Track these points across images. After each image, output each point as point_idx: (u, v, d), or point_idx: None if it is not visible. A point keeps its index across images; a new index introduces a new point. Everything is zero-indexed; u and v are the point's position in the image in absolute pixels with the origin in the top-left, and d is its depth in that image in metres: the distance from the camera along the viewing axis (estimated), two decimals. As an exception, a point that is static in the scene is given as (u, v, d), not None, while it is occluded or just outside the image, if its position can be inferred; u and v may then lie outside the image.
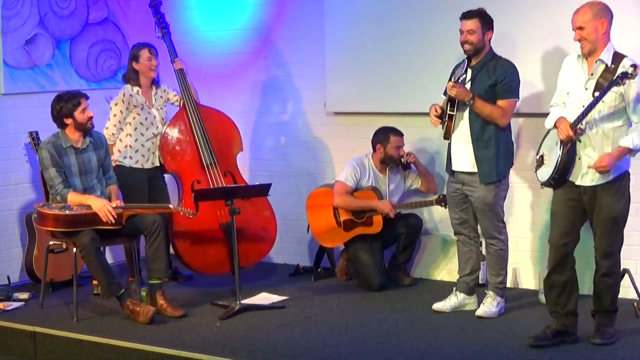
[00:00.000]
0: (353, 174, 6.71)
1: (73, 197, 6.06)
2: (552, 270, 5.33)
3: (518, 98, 5.87)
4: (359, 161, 6.77)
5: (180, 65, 6.87)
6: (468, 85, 5.79)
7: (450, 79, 5.96)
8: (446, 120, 5.84)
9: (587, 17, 5.10)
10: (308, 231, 7.02)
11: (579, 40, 5.14)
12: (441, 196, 6.59)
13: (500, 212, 5.93)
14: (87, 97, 6.21)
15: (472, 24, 5.79)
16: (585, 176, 5.17)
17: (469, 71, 5.84)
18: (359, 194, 6.70)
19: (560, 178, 5.18)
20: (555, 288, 5.34)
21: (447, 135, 5.89)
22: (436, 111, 5.87)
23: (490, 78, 5.79)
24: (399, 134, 6.68)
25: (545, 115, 6.32)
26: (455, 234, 6.15)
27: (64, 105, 6.13)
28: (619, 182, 5.16)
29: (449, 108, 5.80)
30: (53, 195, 6.15)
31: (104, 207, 5.99)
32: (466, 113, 5.82)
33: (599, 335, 5.35)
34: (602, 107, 5.09)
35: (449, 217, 6.17)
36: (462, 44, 5.84)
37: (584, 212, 5.26)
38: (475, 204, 5.91)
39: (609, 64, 5.08)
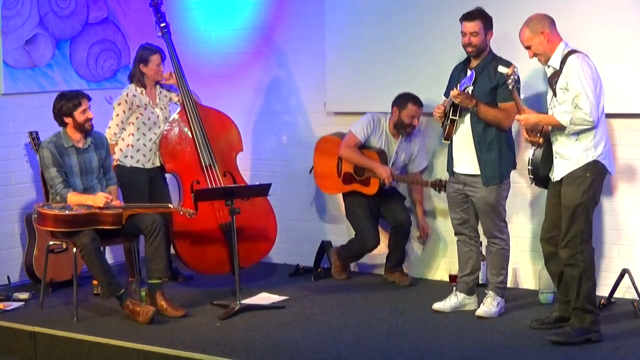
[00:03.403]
0: (365, 127, 6.72)
1: (73, 197, 6.07)
2: (545, 262, 5.67)
3: None
4: (376, 117, 6.76)
5: (172, 80, 6.85)
6: (471, 88, 5.78)
7: (450, 80, 5.97)
8: (447, 124, 5.84)
9: (527, 36, 5.38)
10: (310, 172, 7.08)
11: (535, 57, 5.43)
12: (437, 180, 6.54)
13: (502, 211, 5.93)
14: (89, 99, 6.22)
15: (474, 25, 5.78)
16: (557, 172, 5.42)
17: (472, 72, 5.83)
18: (366, 152, 6.71)
19: (535, 177, 5.53)
20: (554, 278, 5.64)
21: (448, 137, 5.90)
22: (439, 109, 5.88)
23: (491, 81, 5.78)
24: (419, 104, 6.62)
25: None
26: (455, 234, 6.14)
27: (65, 104, 6.14)
28: (581, 171, 5.29)
29: (451, 113, 5.80)
30: (53, 195, 6.15)
31: (102, 198, 6.05)
32: (467, 116, 5.81)
33: (557, 332, 5.42)
34: (555, 105, 5.37)
35: (450, 217, 6.17)
36: (465, 46, 5.82)
37: None
38: (477, 205, 5.91)
39: (557, 66, 5.34)
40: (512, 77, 5.33)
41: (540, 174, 5.49)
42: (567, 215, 5.33)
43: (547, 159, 5.46)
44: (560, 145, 5.38)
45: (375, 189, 6.70)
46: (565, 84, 5.28)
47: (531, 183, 5.62)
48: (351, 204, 6.86)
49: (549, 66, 5.40)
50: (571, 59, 5.28)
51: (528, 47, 5.41)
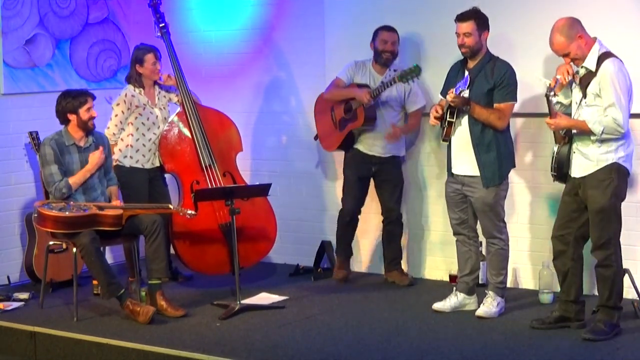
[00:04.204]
0: (349, 69, 6.74)
1: (74, 180, 6.11)
2: (553, 258, 5.66)
3: (516, 100, 5.88)
4: (360, 61, 6.76)
5: (171, 82, 6.85)
6: (467, 92, 5.80)
7: (447, 80, 5.99)
8: (445, 126, 5.86)
9: (564, 44, 5.32)
10: (316, 139, 7.08)
11: (572, 60, 5.39)
12: (403, 71, 6.39)
13: (501, 212, 5.94)
14: (93, 97, 6.25)
15: (467, 26, 5.80)
16: (576, 168, 5.46)
17: (467, 75, 5.85)
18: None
19: (559, 174, 5.54)
20: (559, 275, 5.65)
21: (446, 138, 5.91)
22: (437, 112, 5.89)
23: (488, 82, 5.81)
24: (387, 29, 6.63)
25: (544, 115, 6.38)
26: (454, 234, 6.14)
27: (70, 102, 6.16)
28: (603, 175, 5.34)
29: (448, 115, 5.82)
30: (53, 192, 6.14)
31: (97, 158, 6.18)
32: (465, 118, 5.83)
33: (590, 330, 5.45)
34: (583, 106, 5.37)
35: (448, 217, 6.17)
36: (459, 47, 5.85)
37: (585, 207, 5.48)
38: (475, 205, 5.92)
39: (593, 68, 5.32)
40: (554, 87, 5.31)
41: (564, 171, 5.52)
42: (597, 219, 5.39)
43: (570, 157, 5.50)
44: (582, 143, 5.40)
45: (362, 117, 6.59)
46: (598, 90, 5.28)
47: (553, 180, 5.63)
48: (346, 165, 6.86)
49: (582, 67, 5.37)
50: (607, 65, 5.27)
51: (566, 55, 5.35)
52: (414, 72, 6.34)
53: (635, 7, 6.02)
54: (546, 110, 6.17)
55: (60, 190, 6.10)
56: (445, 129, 5.87)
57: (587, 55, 5.33)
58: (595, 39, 5.37)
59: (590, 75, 5.33)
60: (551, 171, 5.56)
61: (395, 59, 6.70)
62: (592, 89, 5.31)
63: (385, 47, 6.63)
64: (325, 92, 6.82)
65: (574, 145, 5.45)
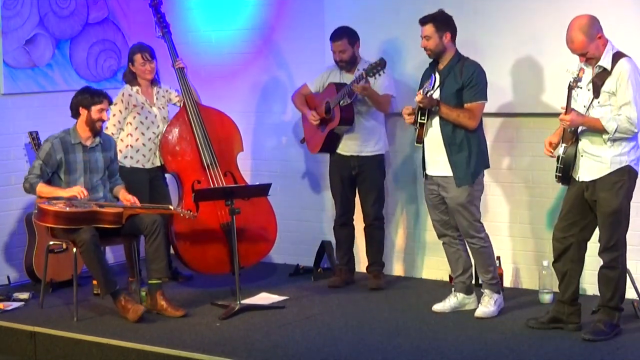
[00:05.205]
0: (318, 79, 6.81)
1: (42, 188, 6.09)
2: (554, 261, 5.60)
3: (485, 100, 5.87)
4: (332, 65, 6.76)
5: (181, 65, 6.87)
6: (437, 93, 5.82)
7: (420, 85, 6.00)
8: (417, 127, 5.88)
9: (584, 43, 5.21)
10: (302, 142, 7.06)
11: (587, 60, 5.29)
12: (370, 65, 6.38)
13: (475, 212, 5.93)
14: (110, 101, 6.27)
15: (426, 29, 5.84)
16: (584, 172, 5.36)
17: (437, 77, 5.87)
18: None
19: (564, 175, 5.42)
20: (559, 275, 5.59)
21: (419, 140, 5.92)
22: (407, 109, 5.90)
23: (457, 82, 5.82)
24: (334, 38, 6.62)
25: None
26: (439, 236, 6.12)
27: (87, 97, 6.19)
28: (616, 177, 5.28)
29: (419, 116, 5.83)
30: (23, 181, 6.14)
31: (78, 190, 6.04)
32: (436, 119, 5.86)
33: (590, 331, 5.44)
34: (594, 105, 5.28)
35: (431, 220, 6.16)
36: (424, 49, 5.89)
37: (590, 210, 5.42)
38: (450, 205, 5.93)
39: (609, 67, 5.23)
40: (581, 78, 5.26)
41: (570, 173, 5.42)
42: (608, 221, 5.32)
43: (577, 160, 5.41)
44: (592, 145, 5.31)
45: (338, 116, 6.56)
46: (615, 89, 5.19)
47: (557, 182, 5.52)
48: (330, 170, 6.86)
49: (597, 66, 5.27)
50: (622, 63, 5.20)
51: (584, 54, 5.25)
52: (380, 66, 6.34)
53: (634, 5, 6.02)
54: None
55: (28, 181, 6.11)
56: (417, 130, 5.89)
57: (602, 55, 5.23)
58: (607, 38, 5.29)
59: (604, 74, 5.24)
60: (556, 172, 5.44)
61: (353, 63, 6.67)
62: (607, 87, 5.21)
63: (335, 57, 6.67)
64: (293, 95, 6.93)
65: (581, 148, 5.34)
